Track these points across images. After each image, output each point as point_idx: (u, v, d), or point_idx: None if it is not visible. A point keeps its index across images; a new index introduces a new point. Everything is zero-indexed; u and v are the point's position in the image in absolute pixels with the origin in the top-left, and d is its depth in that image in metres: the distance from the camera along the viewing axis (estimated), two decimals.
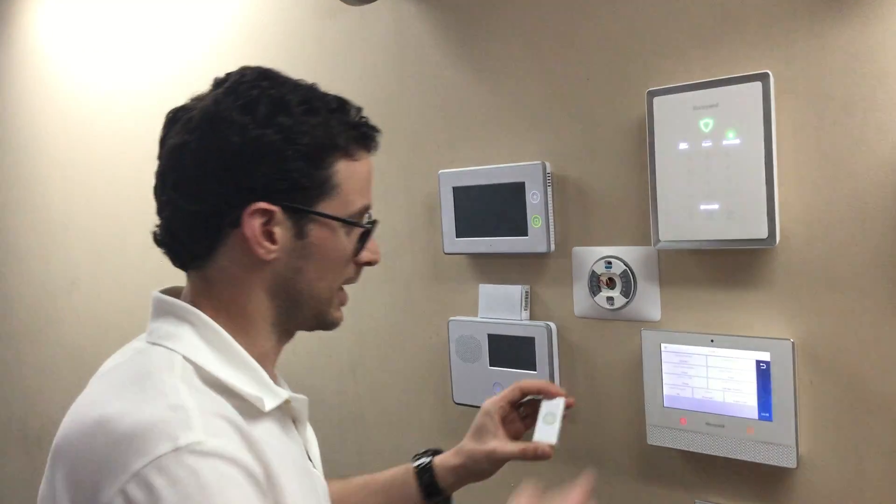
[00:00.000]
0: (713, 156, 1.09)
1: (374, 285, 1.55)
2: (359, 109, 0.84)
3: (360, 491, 1.07)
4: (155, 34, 2.02)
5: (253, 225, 0.76)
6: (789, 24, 1.06)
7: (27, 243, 2.56)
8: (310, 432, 0.91)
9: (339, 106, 0.81)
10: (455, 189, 1.39)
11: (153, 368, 0.74)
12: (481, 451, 1.04)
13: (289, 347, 0.87)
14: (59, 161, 2.38)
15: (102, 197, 2.23)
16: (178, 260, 0.83)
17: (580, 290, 1.29)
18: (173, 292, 0.85)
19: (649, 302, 1.22)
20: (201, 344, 0.78)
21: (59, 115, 2.36)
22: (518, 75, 1.34)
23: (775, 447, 1.09)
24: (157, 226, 0.82)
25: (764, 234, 1.06)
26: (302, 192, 0.78)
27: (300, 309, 0.83)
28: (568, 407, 1.04)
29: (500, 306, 1.38)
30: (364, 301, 1.58)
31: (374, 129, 0.84)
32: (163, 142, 0.82)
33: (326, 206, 0.80)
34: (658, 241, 1.16)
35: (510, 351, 1.36)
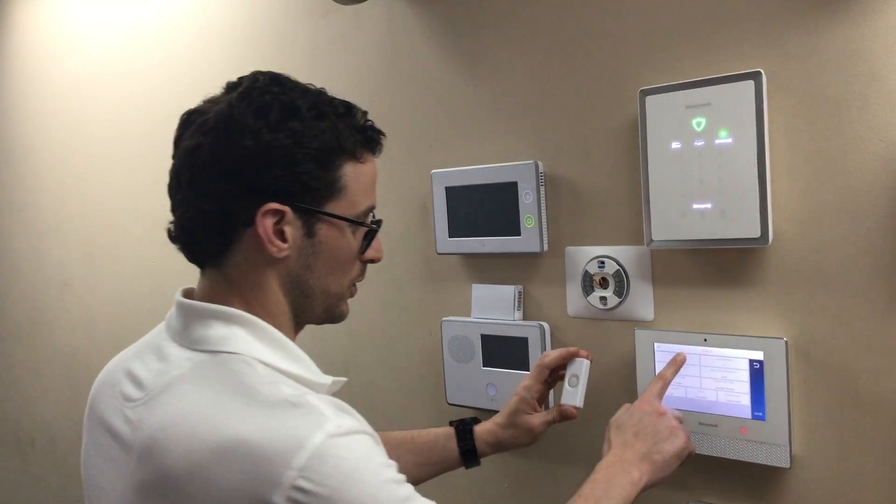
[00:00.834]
0: (706, 155, 1.09)
1: (367, 285, 1.53)
2: (364, 113, 0.89)
3: (399, 447, 1.15)
4: (147, 36, 2.01)
5: (265, 224, 0.80)
6: (782, 22, 1.06)
7: (19, 244, 2.55)
8: None
9: (347, 111, 0.86)
10: (448, 189, 1.39)
11: (242, 377, 0.78)
12: (520, 426, 1.15)
13: None
14: (51, 162, 2.37)
15: (94, 198, 2.22)
16: (195, 257, 0.87)
17: (573, 290, 1.29)
18: (188, 294, 0.88)
19: (642, 301, 1.22)
20: (256, 342, 0.82)
21: (50, 116, 2.35)
22: (510, 75, 1.34)
23: (769, 447, 1.09)
24: (171, 223, 0.86)
25: (757, 233, 1.06)
26: (311, 193, 0.82)
27: (311, 303, 0.88)
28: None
29: (494, 306, 1.37)
30: (357, 301, 1.55)
31: (379, 133, 0.89)
32: (177, 142, 0.86)
33: (334, 207, 0.85)
34: (651, 240, 1.15)
35: (503, 351, 1.35)
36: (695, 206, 1.10)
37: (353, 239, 0.88)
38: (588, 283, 1.26)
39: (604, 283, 1.24)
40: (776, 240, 1.08)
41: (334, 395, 0.90)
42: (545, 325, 1.32)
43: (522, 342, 1.33)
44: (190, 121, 0.85)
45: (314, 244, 0.85)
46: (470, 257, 1.42)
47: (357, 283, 0.95)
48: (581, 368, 1.14)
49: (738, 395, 1.11)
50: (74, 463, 2.62)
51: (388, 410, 1.59)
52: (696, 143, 1.10)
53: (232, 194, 0.80)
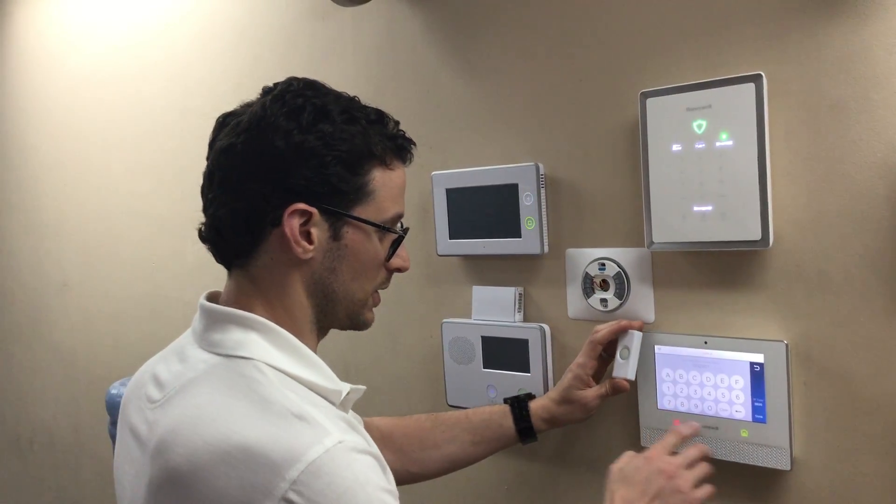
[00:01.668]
0: (706, 157, 1.09)
1: None
2: (396, 122, 0.90)
3: (453, 426, 1.18)
4: (147, 37, 2.00)
5: (292, 224, 0.82)
6: (782, 25, 1.06)
7: (18, 245, 2.54)
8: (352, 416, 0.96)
9: (378, 118, 0.88)
10: (448, 191, 1.39)
11: (252, 383, 0.78)
12: (574, 402, 1.16)
13: None
14: (51, 163, 2.36)
15: (94, 199, 2.22)
16: (223, 257, 0.88)
17: (574, 292, 1.29)
18: (213, 297, 0.89)
19: (643, 304, 1.21)
20: (272, 348, 0.82)
21: (50, 116, 2.34)
22: (511, 76, 1.34)
23: (769, 449, 1.09)
24: (203, 223, 0.88)
25: (757, 235, 1.06)
26: (339, 195, 0.84)
27: (335, 308, 0.89)
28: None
29: (494, 308, 1.37)
30: None
31: (409, 141, 0.91)
32: (212, 144, 0.87)
33: (361, 211, 0.86)
34: (651, 242, 1.15)
35: (504, 353, 1.35)
36: (695, 208, 1.10)
37: (379, 245, 0.88)
38: (589, 285, 1.26)
39: (604, 285, 1.24)
40: (777, 242, 1.08)
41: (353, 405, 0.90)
42: (546, 326, 1.32)
43: (523, 344, 1.32)
44: (225, 123, 0.87)
45: (340, 247, 0.85)
46: (470, 259, 1.42)
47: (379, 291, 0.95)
48: (633, 340, 1.15)
49: (738, 398, 1.11)
50: (74, 463, 2.64)
51: (388, 412, 1.59)
52: (696, 146, 1.10)
53: (260, 193, 0.81)
